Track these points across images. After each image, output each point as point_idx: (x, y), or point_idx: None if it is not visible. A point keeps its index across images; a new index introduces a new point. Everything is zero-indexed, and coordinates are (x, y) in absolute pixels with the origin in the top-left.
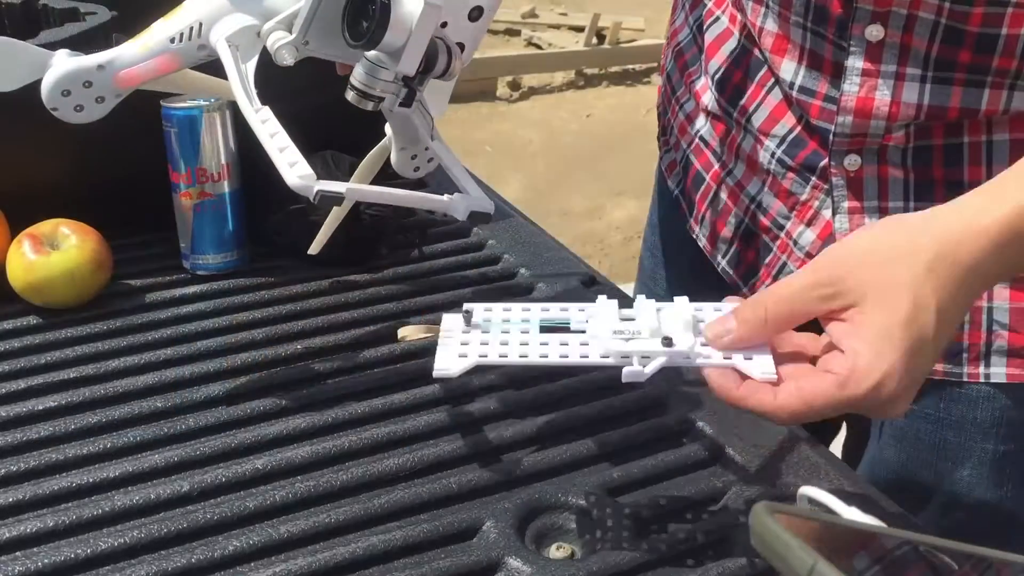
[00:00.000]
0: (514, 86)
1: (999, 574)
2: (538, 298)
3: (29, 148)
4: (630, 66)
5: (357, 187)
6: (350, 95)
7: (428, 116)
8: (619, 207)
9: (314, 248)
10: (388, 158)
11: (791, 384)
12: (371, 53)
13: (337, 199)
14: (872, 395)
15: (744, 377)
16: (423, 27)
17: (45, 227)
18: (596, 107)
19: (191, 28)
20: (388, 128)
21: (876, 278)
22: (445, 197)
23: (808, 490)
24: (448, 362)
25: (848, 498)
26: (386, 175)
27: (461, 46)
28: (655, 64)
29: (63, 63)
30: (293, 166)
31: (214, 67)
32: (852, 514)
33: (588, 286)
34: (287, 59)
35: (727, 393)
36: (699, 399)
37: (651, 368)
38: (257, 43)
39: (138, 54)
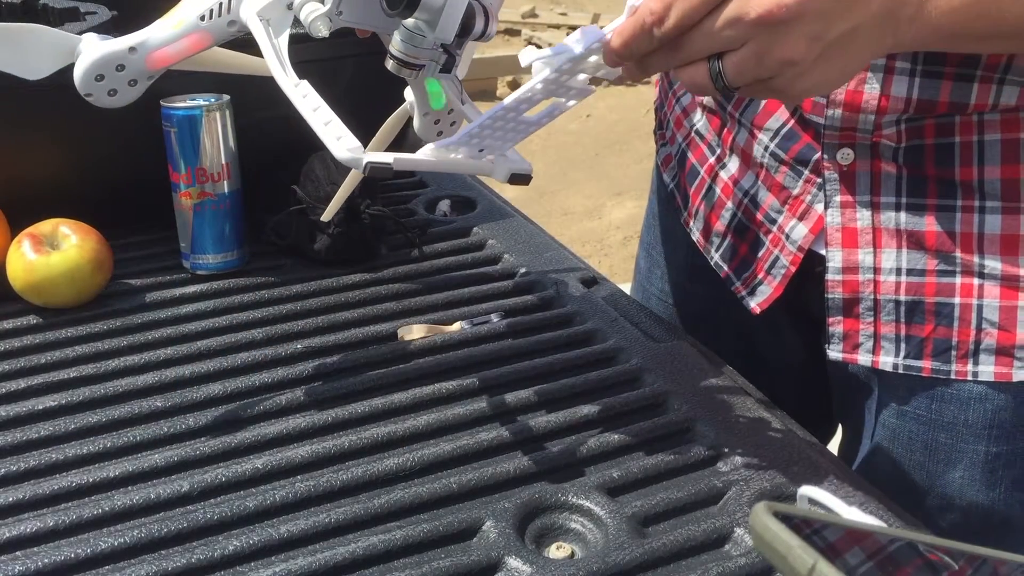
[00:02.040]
0: (514, 86)
1: (998, 573)
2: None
3: (29, 148)
4: None
5: (404, 156)
6: (390, 64)
7: (456, 79)
8: (619, 207)
9: (327, 215)
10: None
11: None
12: (409, 21)
13: (387, 170)
14: None
15: None
16: None
17: (45, 227)
18: (595, 107)
19: (220, 4)
20: (408, 93)
21: None
22: (486, 160)
23: (808, 490)
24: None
25: (848, 498)
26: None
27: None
28: None
29: (94, 47)
30: (340, 139)
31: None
32: (852, 514)
33: (588, 286)
34: (322, 31)
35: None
36: (699, 399)
37: (552, 51)
38: (288, 15)
39: (168, 34)
